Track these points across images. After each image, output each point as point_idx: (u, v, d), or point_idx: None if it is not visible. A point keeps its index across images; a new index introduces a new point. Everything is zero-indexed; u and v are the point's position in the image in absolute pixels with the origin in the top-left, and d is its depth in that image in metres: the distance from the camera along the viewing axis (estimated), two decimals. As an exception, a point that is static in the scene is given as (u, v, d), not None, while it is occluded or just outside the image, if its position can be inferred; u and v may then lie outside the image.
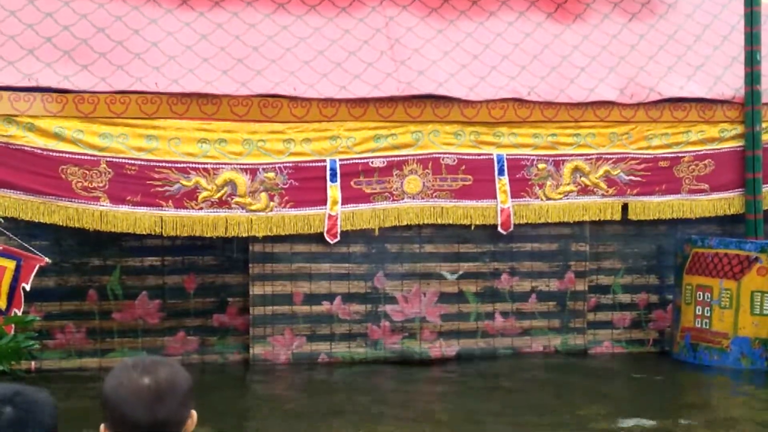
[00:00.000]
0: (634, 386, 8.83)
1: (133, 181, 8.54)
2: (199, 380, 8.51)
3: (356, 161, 9.08)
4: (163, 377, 2.18)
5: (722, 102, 9.80)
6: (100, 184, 8.46)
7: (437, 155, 9.24)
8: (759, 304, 8.93)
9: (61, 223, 8.43)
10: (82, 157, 8.41)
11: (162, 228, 8.64)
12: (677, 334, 9.52)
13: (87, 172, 8.43)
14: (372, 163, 9.12)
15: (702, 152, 9.81)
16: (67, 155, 8.38)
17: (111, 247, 8.97)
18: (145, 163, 8.57)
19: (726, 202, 9.90)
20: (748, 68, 9.63)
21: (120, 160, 8.51)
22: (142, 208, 8.58)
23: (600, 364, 9.51)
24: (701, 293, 9.21)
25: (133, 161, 8.54)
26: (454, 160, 9.29)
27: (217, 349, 9.26)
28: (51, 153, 8.35)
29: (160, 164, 8.60)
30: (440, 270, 9.52)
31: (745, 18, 9.69)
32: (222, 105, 8.74)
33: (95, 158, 8.44)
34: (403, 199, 9.21)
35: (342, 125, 9.03)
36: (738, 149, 9.83)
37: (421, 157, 9.21)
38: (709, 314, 9.16)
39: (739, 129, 9.80)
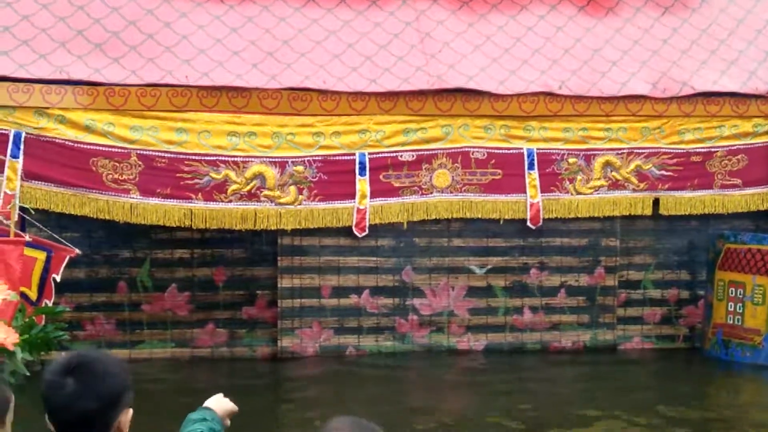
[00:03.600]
0: (664, 382, 8.76)
1: (163, 174, 8.57)
2: (228, 372, 8.58)
3: (385, 155, 9.05)
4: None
5: (756, 96, 9.67)
6: (131, 177, 8.50)
7: (467, 149, 9.20)
8: (792, 301, 8.82)
9: (91, 215, 8.47)
10: (113, 149, 8.45)
11: (191, 220, 8.67)
12: (708, 331, 9.42)
13: (117, 164, 8.46)
14: (401, 156, 9.09)
15: (735, 147, 9.70)
16: (97, 147, 8.41)
17: (141, 239, 9.01)
18: (175, 155, 8.59)
19: (759, 197, 9.78)
20: (783, 62, 9.50)
21: (150, 152, 8.54)
22: (171, 200, 8.61)
23: (629, 359, 9.44)
24: (734, 289, 9.11)
25: (163, 154, 8.57)
26: (484, 154, 9.24)
27: (245, 342, 9.28)
28: (82, 145, 8.39)
29: (190, 157, 8.62)
30: (469, 264, 9.49)
31: (780, 11, 9.56)
32: (252, 98, 8.75)
33: (125, 151, 8.48)
34: (432, 193, 9.18)
35: (371, 119, 9.01)
36: (772, 144, 9.70)
37: (450, 151, 9.17)
38: (741, 310, 9.06)
39: (773, 124, 9.68)
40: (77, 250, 8.10)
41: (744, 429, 6.97)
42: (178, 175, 8.60)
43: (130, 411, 2.32)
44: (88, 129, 8.39)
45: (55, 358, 2.36)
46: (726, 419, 7.28)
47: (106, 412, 2.25)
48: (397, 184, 9.09)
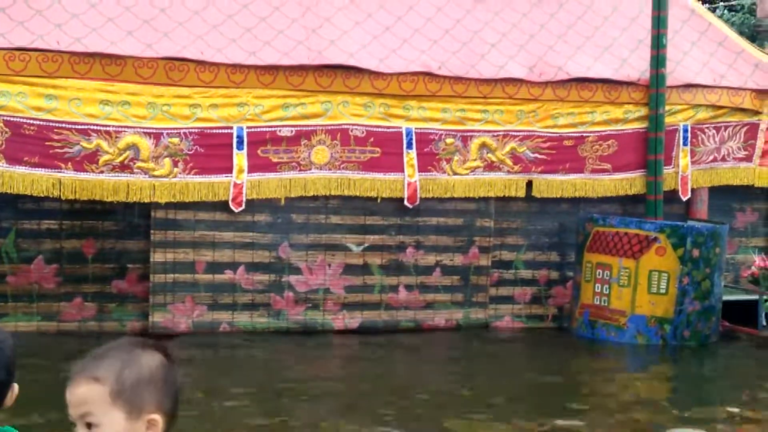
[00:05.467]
0: (531, 360, 8.98)
1: (31, 142, 8.26)
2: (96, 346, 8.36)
3: (264, 129, 8.95)
4: None
5: (628, 84, 9.96)
6: (-4, 144, 8.16)
7: (346, 126, 9.18)
8: (656, 283, 9.14)
9: (-47, 183, 8.12)
10: (-23, 114, 8.09)
11: (60, 191, 8.39)
12: (576, 311, 9.69)
13: (-18, 130, 8.11)
14: (280, 132, 9.00)
15: (606, 132, 9.97)
16: (-39, 112, 8.05)
17: (6, 208, 8.67)
18: (44, 123, 8.29)
19: (627, 182, 10.09)
20: (654, 51, 9.79)
21: (17, 119, 8.22)
22: (39, 169, 8.31)
23: (498, 338, 9.63)
24: (601, 271, 9.38)
25: (31, 121, 8.25)
26: (363, 132, 9.24)
27: (115, 316, 9.05)
28: (-56, 109, 8.01)
29: (60, 125, 8.33)
30: (346, 242, 9.49)
31: (653, 2, 9.84)
32: (126, 66, 8.50)
33: (-9, 116, 8.13)
34: (310, 169, 9.12)
35: (250, 92, 8.88)
36: (641, 131, 10.01)
37: (330, 127, 9.13)
38: (607, 292, 9.34)
39: (643, 111, 9.98)
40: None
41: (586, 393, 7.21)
42: (47, 143, 8.30)
43: (16, 387, 2.23)
44: (-50, 92, 8.02)
45: None
46: (576, 384, 7.51)
47: (10, 382, 2.17)
48: (275, 160, 9.00)
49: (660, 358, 9.01)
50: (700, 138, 10.27)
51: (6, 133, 8.18)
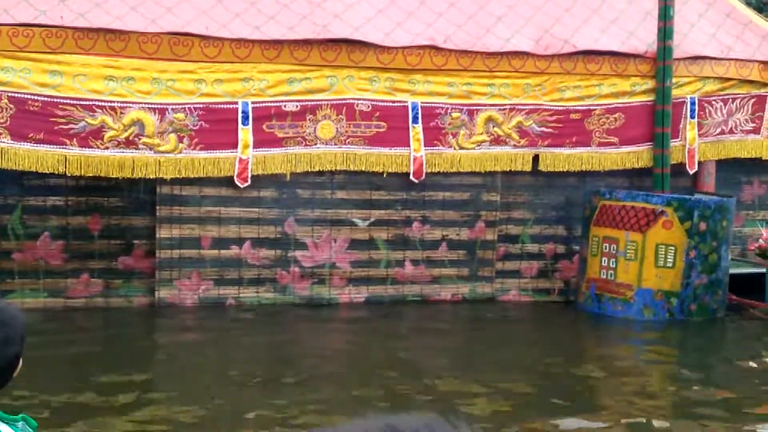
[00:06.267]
0: (538, 333, 8.98)
1: (36, 118, 8.24)
2: (104, 324, 8.40)
3: (269, 104, 8.91)
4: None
5: (635, 56, 9.89)
6: (1, 120, 8.14)
7: (351, 101, 9.14)
8: (663, 256, 9.12)
9: (-42, 160, 8.11)
10: (-18, 91, 8.07)
11: (66, 167, 8.38)
12: (582, 285, 9.67)
13: (-14, 107, 8.10)
14: (285, 106, 8.96)
15: (613, 105, 9.92)
16: (-35, 88, 8.03)
17: (12, 185, 8.66)
18: (49, 99, 8.26)
19: (634, 155, 10.05)
20: (661, 23, 9.72)
21: (22, 95, 8.19)
22: (44, 146, 8.29)
23: (505, 311, 9.63)
24: (607, 245, 9.36)
25: (36, 97, 8.23)
26: (369, 107, 9.20)
27: (121, 292, 9.06)
28: (-52, 86, 7.99)
29: (65, 101, 8.30)
30: (351, 217, 9.47)
31: (660, -27, 9.76)
32: (130, 42, 8.47)
33: (-5, 93, 8.11)
34: (316, 144, 9.09)
35: (255, 67, 8.84)
36: (648, 104, 9.96)
37: (335, 102, 9.09)
38: (614, 266, 9.32)
39: (650, 84, 9.92)
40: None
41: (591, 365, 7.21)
42: (51, 119, 8.28)
43: (20, 360, 2.27)
44: (-46, 69, 7.99)
45: None
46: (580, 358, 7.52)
47: (19, 356, 2.22)
48: (280, 135, 8.97)
49: (666, 330, 9.00)
50: (707, 110, 10.21)
51: (11, 109, 8.16)
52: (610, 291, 9.36)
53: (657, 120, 9.88)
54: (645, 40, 9.95)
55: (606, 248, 9.38)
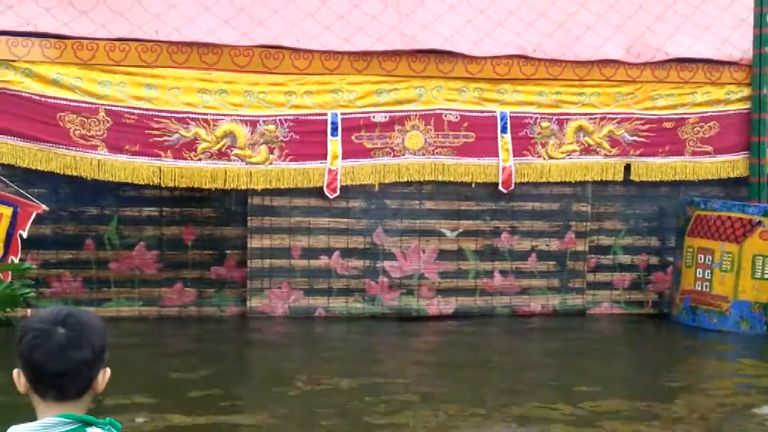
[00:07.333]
0: (632, 347, 8.82)
1: (132, 131, 8.45)
2: (197, 332, 8.54)
3: (358, 115, 8.97)
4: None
5: (729, 63, 9.68)
6: (98, 133, 8.37)
7: (440, 111, 9.14)
8: (760, 268, 8.87)
9: (58, 171, 8.35)
10: (81, 104, 8.31)
11: (160, 178, 8.57)
12: (677, 297, 9.47)
13: (85, 120, 8.33)
14: (374, 117, 9.01)
15: (707, 114, 9.71)
16: (65, 102, 8.27)
17: (109, 196, 8.89)
18: (144, 112, 8.47)
19: (730, 164, 9.82)
20: (757, 30, 9.49)
21: (119, 108, 8.41)
22: (140, 157, 8.49)
23: (597, 325, 9.48)
24: (702, 256, 9.15)
25: (131, 110, 8.44)
26: (457, 117, 9.19)
27: (214, 302, 9.21)
28: (49, 99, 8.24)
29: (159, 114, 8.50)
30: (440, 227, 9.46)
31: (756, -22, 9.54)
32: (223, 55, 8.63)
33: (93, 106, 8.34)
34: (404, 154, 9.12)
35: (344, 78, 8.91)
36: (744, 112, 9.73)
37: (423, 112, 9.11)
38: (709, 277, 9.11)
39: (746, 91, 9.69)
40: (44, 206, 8.01)
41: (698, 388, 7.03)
42: (147, 132, 8.48)
43: (108, 371, 2.26)
44: (55, 83, 8.25)
45: (20, 315, 2.31)
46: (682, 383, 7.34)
47: (95, 365, 2.20)
48: (369, 146, 9.01)
49: (765, 344, 8.75)
50: (806, 118, 9.92)
51: (108, 122, 8.38)
52: (706, 303, 9.15)
53: (753, 128, 9.64)
54: (740, 47, 9.73)
55: (701, 259, 9.17)
